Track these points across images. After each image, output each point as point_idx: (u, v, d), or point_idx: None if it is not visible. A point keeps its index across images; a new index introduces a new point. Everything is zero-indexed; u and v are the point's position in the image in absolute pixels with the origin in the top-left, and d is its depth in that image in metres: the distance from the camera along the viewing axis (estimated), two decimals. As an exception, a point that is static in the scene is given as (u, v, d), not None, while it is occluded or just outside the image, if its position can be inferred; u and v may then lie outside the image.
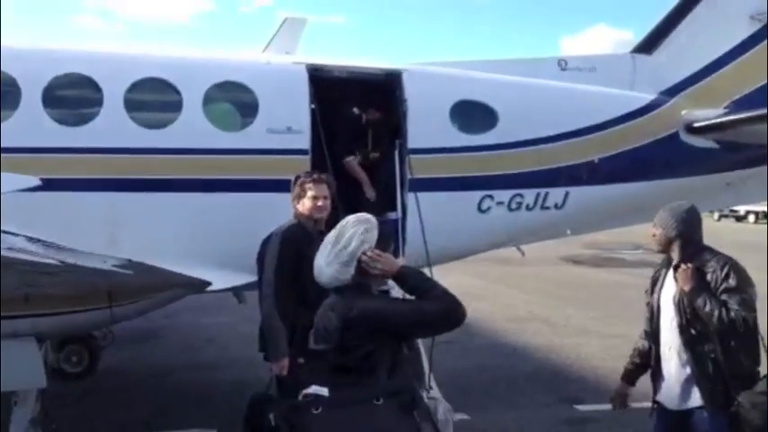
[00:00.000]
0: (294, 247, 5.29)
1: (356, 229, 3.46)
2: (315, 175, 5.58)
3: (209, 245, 6.84)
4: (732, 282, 4.50)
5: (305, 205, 5.49)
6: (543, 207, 7.81)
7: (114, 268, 4.46)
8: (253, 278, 5.82)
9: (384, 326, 3.37)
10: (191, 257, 6.72)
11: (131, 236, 6.72)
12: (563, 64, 8.42)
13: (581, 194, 7.92)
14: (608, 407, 8.04)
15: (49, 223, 6.39)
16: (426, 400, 3.60)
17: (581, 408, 8.12)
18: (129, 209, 6.77)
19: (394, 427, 3.28)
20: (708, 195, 8.44)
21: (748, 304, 4.48)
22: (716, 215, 42.35)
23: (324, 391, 3.32)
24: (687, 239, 4.66)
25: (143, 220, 6.80)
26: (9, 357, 5.43)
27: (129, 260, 4.64)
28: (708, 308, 4.47)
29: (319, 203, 5.47)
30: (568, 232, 8.42)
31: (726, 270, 4.52)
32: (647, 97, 8.26)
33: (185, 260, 6.66)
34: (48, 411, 6.03)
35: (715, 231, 23.50)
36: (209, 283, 6.26)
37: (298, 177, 5.62)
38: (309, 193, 5.46)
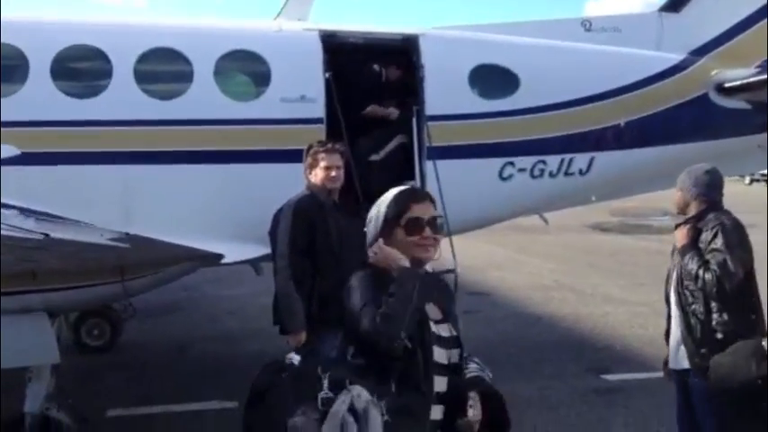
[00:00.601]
0: (306, 218, 5.18)
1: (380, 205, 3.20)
2: (328, 145, 5.41)
3: (222, 217, 6.71)
4: (718, 242, 4.52)
5: (317, 175, 5.33)
6: (567, 173, 7.57)
7: (111, 242, 4.33)
8: (268, 250, 5.68)
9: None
10: (205, 230, 6.61)
11: (145, 209, 6.61)
12: (587, 25, 8.11)
13: (607, 160, 7.66)
14: (635, 376, 8.05)
15: (63, 197, 6.28)
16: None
17: (608, 377, 7.97)
18: (141, 182, 6.65)
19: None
20: (738, 158, 8.19)
21: (727, 267, 4.47)
22: (747, 179, 41.56)
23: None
24: (704, 201, 4.68)
25: (156, 192, 6.68)
26: (20, 333, 5.37)
27: (127, 233, 4.50)
28: (690, 266, 4.57)
29: (332, 173, 5.30)
30: (594, 199, 8.17)
31: (715, 230, 4.55)
32: (675, 58, 7.94)
33: (199, 233, 6.56)
34: (63, 387, 5.96)
35: (745, 195, 23.20)
36: (221, 256, 6.13)
37: (310, 147, 5.46)
38: (322, 163, 5.30)
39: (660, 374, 7.78)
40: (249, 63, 7.03)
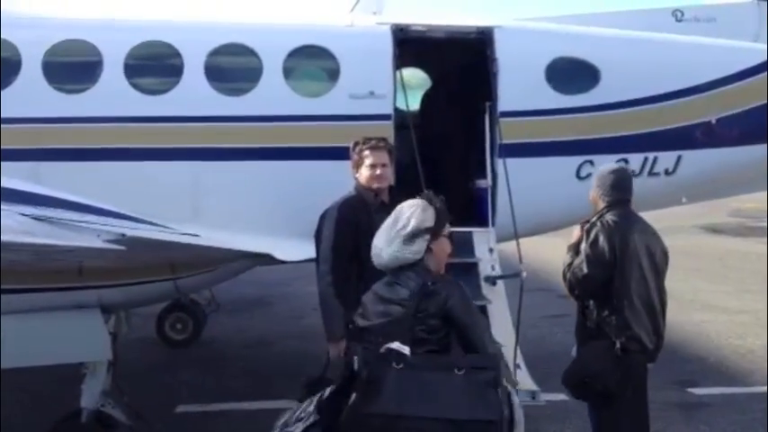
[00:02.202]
0: (351, 220, 4.91)
1: (413, 210, 3.54)
2: (373, 141, 5.11)
3: (289, 215, 6.66)
4: (586, 243, 4.72)
5: (363, 174, 5.07)
6: (651, 173, 7.11)
7: (107, 244, 4.30)
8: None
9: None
10: (272, 227, 6.59)
11: (213, 206, 6.67)
12: (678, 14, 7.64)
13: (695, 159, 7.16)
14: (724, 390, 7.52)
15: (129, 194, 6.39)
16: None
17: (695, 391, 7.48)
18: (209, 178, 6.69)
19: (474, 400, 3.26)
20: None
21: (580, 269, 4.68)
22: None
23: (406, 350, 3.33)
24: (606, 200, 4.86)
25: (224, 189, 6.71)
26: (73, 329, 5.45)
27: (123, 234, 4.45)
28: (564, 266, 4.84)
29: (378, 172, 5.00)
30: (684, 200, 7.66)
31: (591, 231, 4.73)
32: (774, 50, 7.33)
33: (267, 230, 6.55)
34: (120, 384, 6.03)
35: None
36: (269, 256, 6.05)
37: (356, 144, 5.17)
38: (367, 161, 5.02)
39: (752, 390, 7.30)
40: (318, 58, 6.95)
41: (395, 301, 3.46)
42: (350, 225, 4.90)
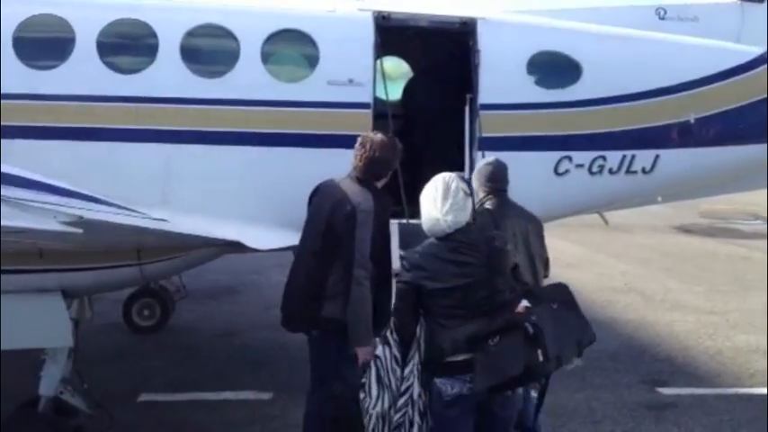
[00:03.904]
0: (378, 225, 4.89)
1: (458, 183, 4.13)
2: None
3: (264, 202, 6.52)
4: None
5: None
6: (629, 171, 7.06)
7: (63, 226, 4.13)
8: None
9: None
10: (245, 214, 6.45)
11: (184, 190, 6.49)
12: (661, 12, 7.56)
13: (673, 158, 7.11)
14: (693, 391, 7.52)
15: (98, 175, 6.22)
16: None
17: (663, 391, 7.48)
18: (181, 162, 6.51)
19: (574, 322, 4.17)
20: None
21: None
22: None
23: (528, 303, 4.02)
24: (484, 190, 5.36)
25: (197, 174, 6.54)
26: (32, 313, 5.29)
27: (81, 217, 4.29)
28: None
29: None
30: (659, 200, 7.64)
31: None
32: (755, 51, 7.31)
33: (239, 217, 6.41)
34: (80, 371, 5.89)
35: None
36: (238, 244, 5.92)
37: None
38: None
39: (721, 391, 7.33)
40: (297, 43, 6.79)
41: (471, 262, 4.00)
42: (378, 226, 4.88)
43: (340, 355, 4.77)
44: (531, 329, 3.87)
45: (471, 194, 4.22)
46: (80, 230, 4.23)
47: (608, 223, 8.19)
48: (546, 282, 5.45)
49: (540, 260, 5.40)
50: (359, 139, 5.06)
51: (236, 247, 6.00)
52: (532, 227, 5.32)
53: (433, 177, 4.24)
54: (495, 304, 4.00)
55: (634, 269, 14.01)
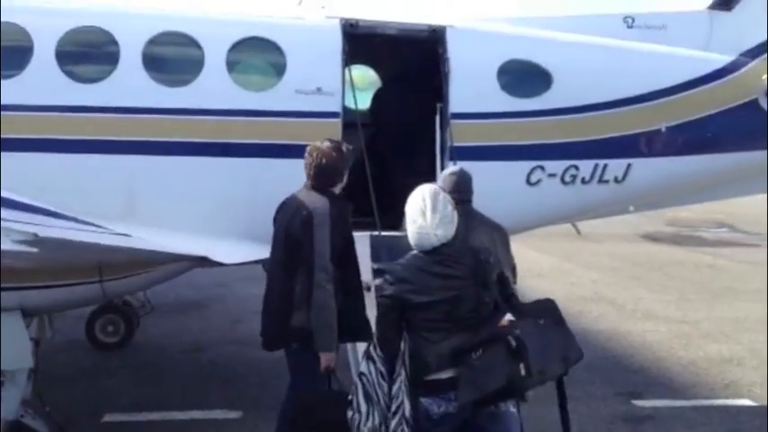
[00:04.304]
0: (339, 224, 4.90)
1: (443, 195, 4.14)
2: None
3: (231, 214, 6.36)
4: None
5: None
6: (601, 180, 7.02)
7: (16, 246, 3.95)
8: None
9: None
10: (211, 228, 6.29)
11: (148, 203, 6.31)
12: (629, 21, 7.52)
13: (645, 167, 7.09)
14: (669, 403, 7.44)
15: (58, 189, 6.03)
16: None
17: (639, 403, 7.37)
18: (145, 174, 6.33)
19: (560, 338, 4.08)
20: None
21: None
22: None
23: (512, 317, 3.98)
24: None
25: (161, 186, 6.36)
26: None
27: (35, 234, 4.10)
28: None
29: None
30: (631, 209, 7.60)
31: None
32: (724, 59, 7.32)
33: (205, 230, 6.26)
34: (41, 392, 5.67)
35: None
36: (202, 258, 5.75)
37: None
38: None
39: (697, 403, 7.23)
40: (264, 52, 6.66)
41: (457, 275, 3.98)
42: (336, 231, 4.86)
43: (315, 365, 4.76)
44: (513, 343, 3.82)
45: (455, 208, 4.19)
46: (35, 249, 4.04)
47: (580, 233, 8.12)
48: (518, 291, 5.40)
49: (508, 269, 5.32)
50: (306, 150, 5.10)
51: (203, 261, 5.82)
52: (498, 236, 5.27)
53: (418, 188, 4.18)
54: (480, 318, 3.99)
55: (603, 278, 14.02)
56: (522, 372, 3.78)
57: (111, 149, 6.28)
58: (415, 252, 4.10)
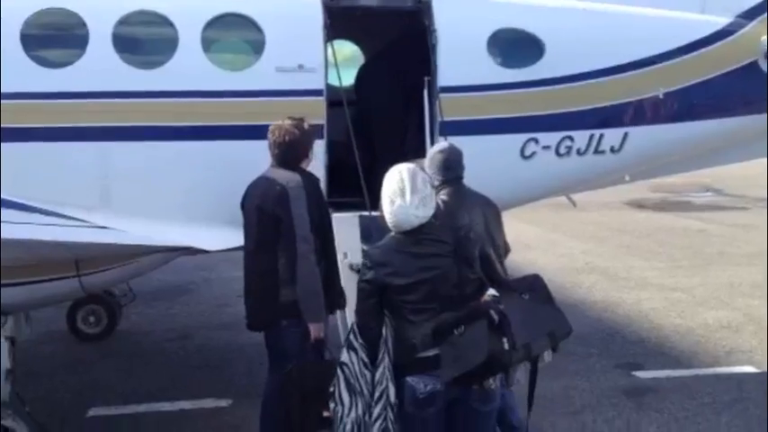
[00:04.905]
0: (315, 197, 5.10)
1: (421, 174, 4.04)
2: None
3: (212, 199, 6.08)
4: None
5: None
6: (597, 151, 6.78)
7: None
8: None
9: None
10: (191, 214, 6.02)
11: (124, 192, 6.01)
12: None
13: (642, 135, 6.84)
14: (671, 373, 7.30)
15: (30, 179, 5.72)
16: None
17: (640, 375, 7.27)
18: (119, 161, 6.01)
19: (546, 313, 4.00)
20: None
21: None
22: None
23: (495, 292, 3.97)
24: (438, 180, 4.92)
25: (136, 173, 6.05)
26: None
27: None
28: None
29: None
30: (627, 179, 7.39)
31: None
32: (721, 21, 7.06)
33: (185, 218, 6.00)
34: (20, 393, 5.43)
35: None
36: (185, 248, 5.51)
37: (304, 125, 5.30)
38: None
39: (698, 372, 7.12)
40: (240, 29, 6.34)
41: (437, 253, 3.89)
42: (312, 201, 4.99)
43: (305, 339, 4.87)
44: (496, 317, 3.75)
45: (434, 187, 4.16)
46: None
47: (576, 205, 7.92)
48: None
49: (501, 245, 5.15)
50: (269, 129, 5.18)
51: (186, 250, 5.57)
52: (490, 212, 5.07)
53: (393, 168, 4.06)
54: (464, 295, 3.91)
55: (593, 248, 13.88)
56: (506, 345, 3.72)
57: (82, 136, 5.97)
58: (392, 234, 4.00)
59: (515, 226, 14.24)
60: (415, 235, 3.92)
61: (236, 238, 5.77)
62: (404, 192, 3.89)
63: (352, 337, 4.06)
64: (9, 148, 5.81)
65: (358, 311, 4.07)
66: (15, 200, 5.36)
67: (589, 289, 10.69)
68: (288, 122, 5.13)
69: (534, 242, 14.02)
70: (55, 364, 7.79)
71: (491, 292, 3.95)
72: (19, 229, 4.94)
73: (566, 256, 13.15)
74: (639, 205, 19.58)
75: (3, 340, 5.19)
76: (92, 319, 8.77)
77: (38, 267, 5.22)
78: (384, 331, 3.98)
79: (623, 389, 6.91)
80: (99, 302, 8.77)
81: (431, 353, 3.83)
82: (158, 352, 8.32)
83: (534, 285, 4.11)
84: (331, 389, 4.05)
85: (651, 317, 9.16)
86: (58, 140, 5.93)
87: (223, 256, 10.37)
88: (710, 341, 8.20)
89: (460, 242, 4.02)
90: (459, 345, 3.73)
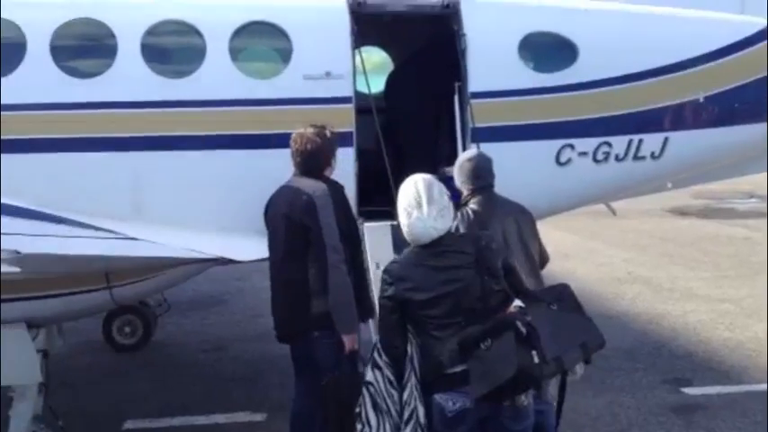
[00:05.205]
0: (342, 206, 5.05)
1: (438, 185, 3.90)
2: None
3: (244, 209, 6.01)
4: None
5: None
6: (637, 157, 6.58)
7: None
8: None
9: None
10: (223, 224, 5.96)
11: (156, 202, 5.99)
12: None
13: (683, 140, 6.63)
14: (721, 389, 6.98)
15: (62, 190, 5.73)
16: None
17: (689, 391, 7.01)
18: (150, 171, 6.00)
19: (577, 323, 3.87)
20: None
21: None
22: None
23: (521, 304, 3.79)
24: (468, 188, 4.96)
25: (168, 183, 6.03)
26: None
27: (17, 251, 3.78)
28: None
29: None
30: (669, 186, 7.17)
31: None
32: (762, 22, 6.82)
33: (217, 227, 5.94)
34: (53, 407, 5.41)
35: None
36: (216, 259, 5.45)
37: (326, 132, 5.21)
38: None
39: (750, 388, 6.81)
40: (268, 37, 6.30)
41: (459, 265, 3.77)
42: (339, 209, 4.93)
43: (339, 350, 4.81)
44: (523, 329, 3.61)
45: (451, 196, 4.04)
46: (16, 269, 3.72)
47: (615, 213, 7.71)
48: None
49: (537, 255, 5.02)
50: (291, 137, 5.12)
51: (217, 260, 5.53)
52: (524, 220, 4.99)
53: (409, 179, 3.98)
54: (489, 308, 3.76)
55: (635, 256, 13.54)
56: (536, 359, 3.57)
57: (113, 146, 5.96)
58: (411, 247, 3.90)
59: (552, 234, 13.97)
60: (435, 247, 3.81)
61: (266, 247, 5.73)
62: (420, 203, 3.80)
63: (376, 355, 3.96)
64: (40, 158, 5.86)
65: (381, 329, 3.98)
66: (46, 211, 5.35)
67: (632, 300, 10.39)
68: (310, 130, 5.05)
69: (573, 251, 13.74)
70: (91, 376, 7.80)
71: (517, 303, 3.80)
72: (48, 241, 4.90)
73: (606, 265, 12.84)
74: (681, 212, 19.12)
75: (35, 353, 5.14)
76: (127, 329, 8.78)
77: (68, 280, 5.20)
78: (409, 348, 3.88)
79: (671, 406, 6.67)
80: (134, 313, 8.78)
81: (458, 369, 3.69)
82: (193, 363, 8.29)
83: (562, 295, 3.99)
84: (357, 409, 3.96)
85: (698, 330, 8.86)
86: (88, 151, 5.93)
87: (256, 266, 10.31)
88: (762, 355, 7.86)
89: (482, 252, 3.86)
90: (487, 359, 3.58)
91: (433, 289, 3.75)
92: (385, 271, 3.96)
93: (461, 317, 3.72)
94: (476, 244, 3.88)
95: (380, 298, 3.93)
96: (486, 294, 3.77)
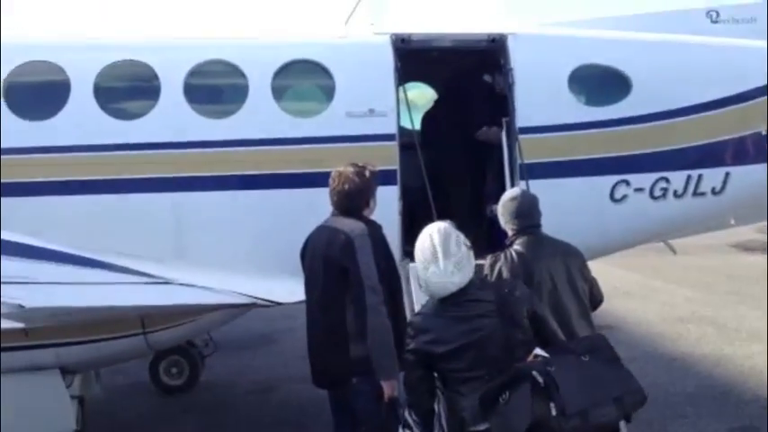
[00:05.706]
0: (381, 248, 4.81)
1: (457, 234, 3.80)
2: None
3: (284, 249, 5.90)
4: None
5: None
6: (696, 193, 6.33)
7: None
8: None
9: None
10: (266, 265, 5.87)
11: (198, 242, 5.96)
12: (713, 15, 6.86)
13: (746, 175, 6.39)
14: (794, 438, 6.63)
15: (103, 232, 5.72)
16: None
17: (759, 439, 6.58)
18: (193, 211, 5.98)
19: (611, 376, 3.62)
20: None
21: None
22: None
23: (544, 353, 3.62)
24: (512, 229, 4.71)
25: (210, 223, 6.00)
26: (27, 395, 4.70)
27: (21, 306, 3.68)
28: None
29: None
30: (732, 222, 6.87)
31: (493, 264, 4.53)
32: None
33: (260, 268, 5.86)
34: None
35: None
36: (253, 302, 5.32)
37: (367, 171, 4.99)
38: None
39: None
40: (310, 75, 6.30)
41: (480, 314, 3.66)
42: (378, 250, 4.73)
43: (379, 396, 4.54)
44: (540, 379, 3.45)
45: (471, 246, 3.86)
46: (20, 324, 3.63)
47: (675, 252, 7.38)
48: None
49: (586, 298, 4.71)
50: (330, 176, 4.97)
51: (259, 303, 5.43)
52: (572, 260, 4.67)
53: (424, 230, 3.88)
54: (514, 359, 3.62)
55: (698, 295, 13.02)
56: (554, 411, 3.40)
57: (156, 187, 5.96)
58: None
59: (611, 272, 13.65)
60: (455, 297, 3.70)
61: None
62: (437, 257, 3.68)
63: (406, 414, 3.87)
64: (83, 201, 5.86)
65: (406, 385, 3.85)
66: (79, 253, 5.30)
67: (696, 341, 9.93)
68: (349, 169, 4.92)
69: (633, 289, 13.31)
70: (136, 418, 7.71)
71: (538, 351, 3.63)
72: (82, 291, 4.85)
73: (668, 303, 12.36)
74: (746, 248, 18.42)
75: (70, 400, 5.06)
76: (174, 370, 8.68)
77: (103, 325, 5.12)
78: (437, 407, 3.78)
79: (740, 455, 6.30)
80: (181, 354, 8.68)
81: (481, 427, 3.57)
82: (241, 406, 8.14)
83: (597, 345, 3.79)
84: None
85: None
86: (129, 192, 5.92)
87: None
88: None
89: (504, 300, 3.73)
90: (505, 413, 3.45)
91: (454, 341, 3.64)
92: (409, 323, 3.87)
93: (485, 369, 3.59)
94: (497, 291, 3.77)
95: (405, 352, 3.81)
96: (510, 344, 3.64)
